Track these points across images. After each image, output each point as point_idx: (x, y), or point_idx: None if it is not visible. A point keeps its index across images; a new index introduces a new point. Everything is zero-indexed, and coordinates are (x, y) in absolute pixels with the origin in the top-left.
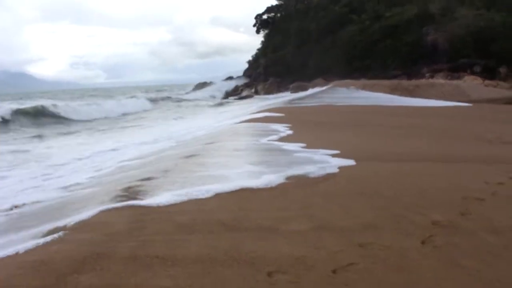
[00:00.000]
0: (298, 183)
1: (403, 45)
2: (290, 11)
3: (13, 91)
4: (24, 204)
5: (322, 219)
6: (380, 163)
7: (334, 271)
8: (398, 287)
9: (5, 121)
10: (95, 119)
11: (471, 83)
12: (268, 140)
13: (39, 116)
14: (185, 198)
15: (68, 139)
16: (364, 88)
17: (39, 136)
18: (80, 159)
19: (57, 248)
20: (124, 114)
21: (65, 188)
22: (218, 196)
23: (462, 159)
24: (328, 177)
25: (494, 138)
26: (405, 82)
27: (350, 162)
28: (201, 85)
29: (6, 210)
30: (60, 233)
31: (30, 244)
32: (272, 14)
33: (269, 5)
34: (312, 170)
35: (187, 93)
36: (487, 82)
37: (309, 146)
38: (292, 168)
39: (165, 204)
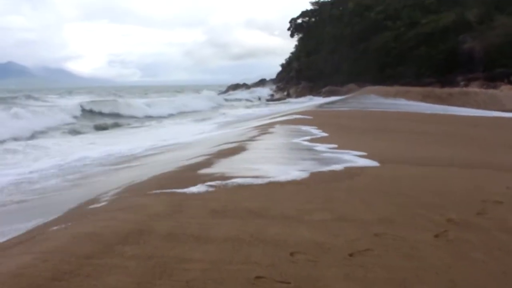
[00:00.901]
0: (324, 179)
1: (438, 53)
2: (325, 16)
3: (53, 86)
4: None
5: (343, 212)
6: (405, 166)
7: (350, 255)
8: (408, 272)
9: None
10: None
11: (508, 92)
12: (302, 140)
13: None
14: (218, 188)
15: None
16: (396, 94)
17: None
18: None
19: (104, 224)
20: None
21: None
22: (249, 187)
23: (487, 165)
24: (353, 175)
25: None
26: (438, 90)
27: (376, 163)
28: (234, 87)
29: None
30: (108, 212)
31: (81, 219)
32: (307, 18)
33: (304, 10)
34: (339, 168)
35: (220, 93)
36: None
37: (339, 147)
38: (320, 166)
39: (200, 192)
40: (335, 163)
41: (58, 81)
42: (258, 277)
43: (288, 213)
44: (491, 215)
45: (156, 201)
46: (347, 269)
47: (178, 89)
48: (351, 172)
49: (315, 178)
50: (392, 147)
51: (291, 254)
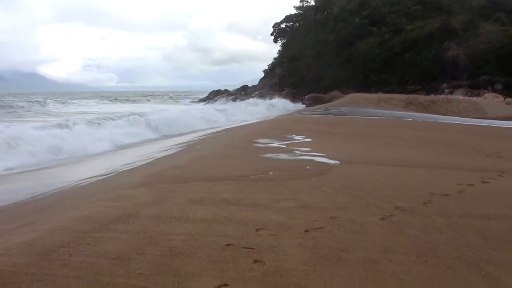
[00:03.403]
0: (294, 176)
1: (423, 60)
2: (309, 21)
3: (24, 91)
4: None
5: (306, 201)
6: (371, 166)
7: (306, 231)
8: (352, 243)
9: None
10: None
11: (491, 100)
12: (280, 144)
13: None
14: (197, 183)
15: None
16: (379, 101)
17: None
18: None
19: (97, 210)
20: None
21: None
22: (225, 183)
23: (449, 166)
24: (321, 173)
25: (493, 152)
26: (421, 97)
27: (344, 164)
28: (215, 93)
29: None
30: (99, 201)
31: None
32: (291, 23)
33: (288, 14)
34: (310, 167)
35: (199, 101)
36: (508, 100)
37: (314, 150)
38: (293, 166)
39: (179, 185)
40: (307, 163)
41: (31, 86)
42: (228, 245)
43: (258, 202)
44: (435, 204)
45: (140, 192)
46: (301, 240)
47: (157, 94)
48: (320, 171)
49: (286, 175)
50: (365, 151)
51: (257, 230)
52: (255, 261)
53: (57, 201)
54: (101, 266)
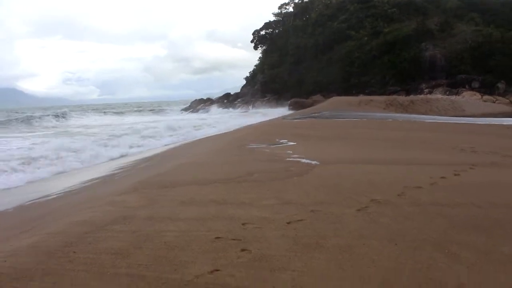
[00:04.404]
0: (277, 177)
1: (402, 61)
2: (288, 27)
3: (3, 107)
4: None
5: (288, 199)
6: (350, 165)
7: (288, 223)
8: (329, 231)
9: None
10: None
11: (469, 98)
12: (265, 147)
13: None
14: (185, 187)
15: None
16: (360, 103)
17: None
18: None
19: (92, 214)
20: None
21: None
22: (212, 185)
23: (424, 162)
24: (303, 173)
25: (467, 148)
26: (400, 98)
27: (324, 164)
28: (198, 102)
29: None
30: (91, 208)
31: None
32: (270, 30)
33: (267, 21)
34: (292, 168)
35: (182, 110)
36: (485, 97)
37: (296, 152)
38: (276, 168)
39: (169, 189)
40: (289, 164)
41: (10, 102)
42: (217, 238)
43: (243, 201)
44: (408, 196)
45: (131, 197)
46: (283, 231)
47: (143, 105)
48: (302, 171)
49: (270, 177)
50: (345, 151)
51: (243, 224)
52: (243, 250)
53: (52, 210)
54: (104, 260)
